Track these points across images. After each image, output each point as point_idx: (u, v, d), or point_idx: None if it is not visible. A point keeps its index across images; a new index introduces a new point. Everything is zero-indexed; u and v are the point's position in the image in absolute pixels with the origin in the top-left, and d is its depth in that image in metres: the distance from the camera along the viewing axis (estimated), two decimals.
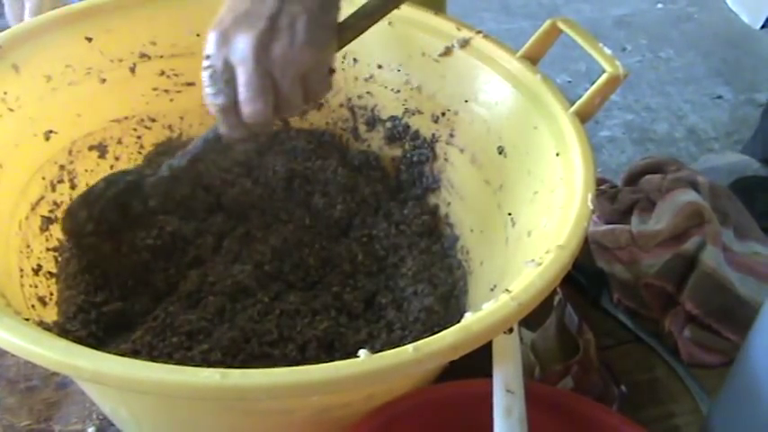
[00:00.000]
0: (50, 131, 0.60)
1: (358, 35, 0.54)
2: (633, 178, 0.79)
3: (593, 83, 0.56)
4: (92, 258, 0.59)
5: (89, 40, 0.62)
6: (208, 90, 0.49)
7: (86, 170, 0.63)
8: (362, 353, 0.39)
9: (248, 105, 0.49)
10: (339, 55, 0.69)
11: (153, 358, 0.53)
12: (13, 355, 0.59)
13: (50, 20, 0.60)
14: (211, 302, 0.58)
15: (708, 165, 0.88)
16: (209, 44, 0.49)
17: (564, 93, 0.58)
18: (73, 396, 0.58)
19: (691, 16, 2.48)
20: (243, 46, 0.47)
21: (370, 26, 0.54)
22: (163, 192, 0.60)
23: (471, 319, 0.42)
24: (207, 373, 0.37)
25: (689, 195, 0.71)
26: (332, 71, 0.51)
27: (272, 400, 0.40)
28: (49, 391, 0.59)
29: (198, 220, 0.65)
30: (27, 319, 0.44)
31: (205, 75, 0.49)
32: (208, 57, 0.49)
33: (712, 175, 0.77)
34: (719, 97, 2.14)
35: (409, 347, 0.39)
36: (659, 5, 2.53)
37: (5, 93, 0.56)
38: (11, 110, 0.56)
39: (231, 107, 0.49)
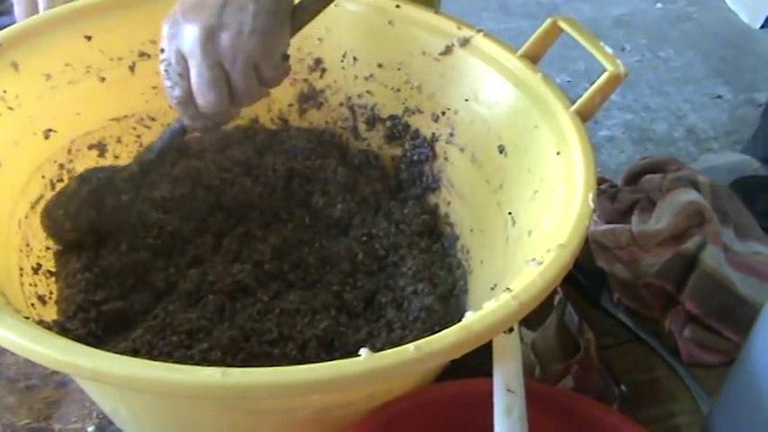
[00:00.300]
0: (50, 130, 0.59)
1: (314, 17, 0.54)
2: (633, 178, 0.78)
3: (592, 82, 0.56)
4: (77, 253, 0.59)
5: (88, 38, 0.62)
6: (165, 83, 0.50)
7: (86, 169, 0.63)
8: (363, 352, 0.39)
9: (201, 97, 0.49)
10: (339, 53, 0.70)
11: (153, 357, 0.53)
12: (12, 354, 0.59)
13: (50, 18, 0.60)
14: (211, 301, 0.58)
15: (707, 164, 0.88)
16: (162, 38, 0.49)
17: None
18: (72, 395, 0.58)
19: (690, 16, 2.48)
20: (191, 38, 0.48)
21: (325, 7, 0.54)
22: (135, 186, 0.60)
23: (472, 319, 0.41)
24: (208, 371, 0.37)
25: (689, 195, 0.71)
26: (286, 57, 0.52)
27: (274, 398, 0.40)
28: (49, 390, 0.59)
29: (197, 220, 0.65)
30: (27, 318, 0.44)
31: (161, 68, 0.50)
32: (162, 50, 0.49)
33: (712, 175, 0.77)
34: (719, 97, 2.14)
35: (410, 346, 0.39)
36: (658, 5, 2.53)
37: (5, 91, 0.56)
38: (10, 108, 0.56)
39: (188, 99, 0.50)
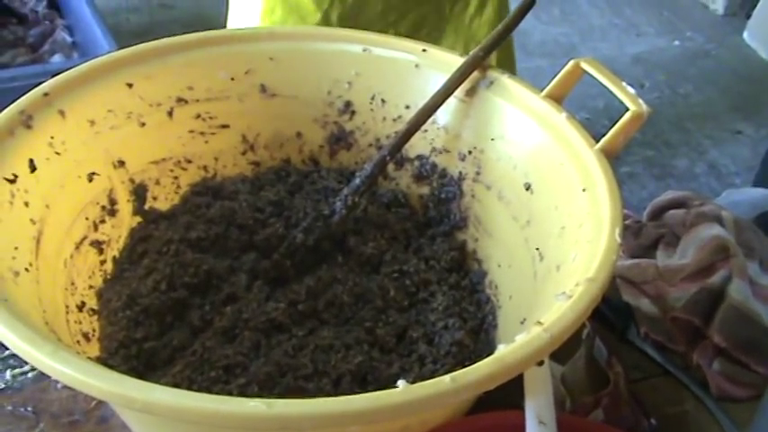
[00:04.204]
0: (93, 173, 0.62)
1: None
2: (657, 213, 0.80)
3: (611, 119, 0.57)
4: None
5: (130, 86, 0.64)
6: None
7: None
8: (401, 383, 0.40)
9: None
10: (368, 96, 0.72)
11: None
12: (56, 390, 0.62)
13: (94, 67, 0.63)
14: (247, 338, 0.59)
15: (730, 199, 0.89)
16: None
17: None
18: (114, 430, 0.60)
19: (708, 53, 2.51)
20: None
21: None
22: None
23: (505, 351, 0.43)
24: (253, 403, 0.38)
25: (713, 230, 0.72)
26: None
27: (315, 429, 0.41)
28: (91, 425, 0.60)
29: (232, 258, 0.66)
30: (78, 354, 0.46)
31: None
32: None
33: (735, 210, 0.78)
34: (739, 132, 2.15)
35: (446, 378, 0.40)
36: (676, 42, 2.56)
37: (53, 137, 0.58)
38: (57, 153, 0.58)
39: None
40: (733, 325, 0.66)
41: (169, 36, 0.68)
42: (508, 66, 1.23)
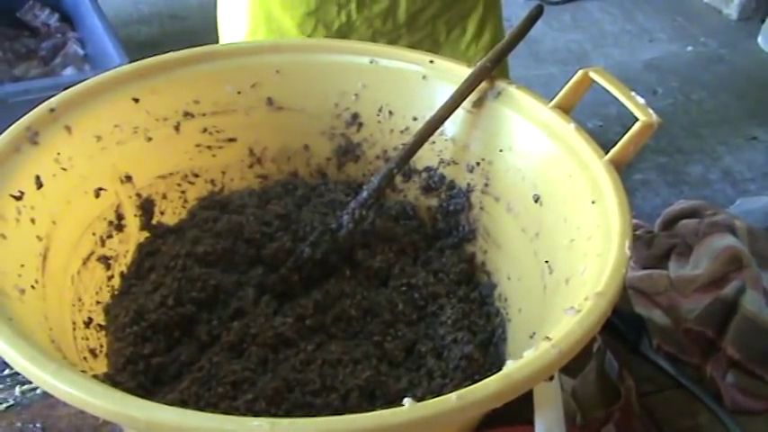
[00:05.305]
0: (100, 189, 0.62)
1: None
2: (669, 223, 0.79)
3: (624, 126, 0.57)
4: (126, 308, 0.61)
5: (136, 100, 0.64)
6: None
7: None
8: (407, 401, 0.40)
9: None
10: (375, 108, 0.72)
11: (200, 408, 0.54)
12: (63, 407, 0.62)
13: (100, 83, 0.63)
14: (254, 353, 0.59)
15: (744, 208, 0.88)
16: None
17: (596, 137, 0.59)
18: None
19: (722, 58, 2.49)
20: None
21: None
22: None
23: (513, 367, 0.42)
24: (257, 422, 0.38)
25: (726, 240, 0.71)
26: None
27: None
28: None
29: (239, 273, 0.66)
30: (84, 372, 0.45)
31: None
32: None
33: (749, 219, 0.77)
34: (754, 138, 2.13)
35: (453, 396, 0.40)
36: (689, 48, 2.54)
37: (59, 153, 0.58)
38: (64, 169, 0.58)
39: None
40: (747, 336, 0.65)
41: (181, 48, 0.68)
42: (501, 74, 1.21)
